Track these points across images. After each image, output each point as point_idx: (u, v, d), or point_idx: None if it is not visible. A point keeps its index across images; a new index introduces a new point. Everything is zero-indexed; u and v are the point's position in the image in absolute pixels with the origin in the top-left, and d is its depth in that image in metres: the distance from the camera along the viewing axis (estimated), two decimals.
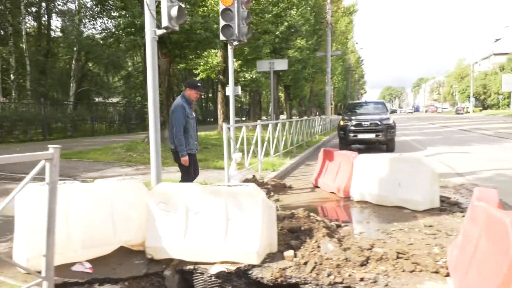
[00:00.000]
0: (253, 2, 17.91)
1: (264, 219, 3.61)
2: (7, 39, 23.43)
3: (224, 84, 17.84)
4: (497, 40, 48.10)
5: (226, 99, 16.53)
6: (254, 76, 19.54)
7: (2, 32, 24.80)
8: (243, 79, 19.50)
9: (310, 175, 8.07)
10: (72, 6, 29.01)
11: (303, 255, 3.60)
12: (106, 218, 3.69)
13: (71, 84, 27.04)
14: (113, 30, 13.23)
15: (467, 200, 5.75)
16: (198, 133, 5.81)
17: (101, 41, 22.10)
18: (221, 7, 8.00)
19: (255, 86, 22.65)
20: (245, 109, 56.95)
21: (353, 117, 13.26)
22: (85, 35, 27.93)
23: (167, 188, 3.89)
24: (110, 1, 12.95)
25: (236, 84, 18.07)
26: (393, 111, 15.19)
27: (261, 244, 3.56)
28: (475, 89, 76.74)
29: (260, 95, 27.14)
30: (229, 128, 7.11)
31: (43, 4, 27.51)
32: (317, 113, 44.88)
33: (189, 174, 5.50)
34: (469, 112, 68.68)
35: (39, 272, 2.53)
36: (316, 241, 3.76)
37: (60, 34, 30.04)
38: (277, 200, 6.20)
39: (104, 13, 14.15)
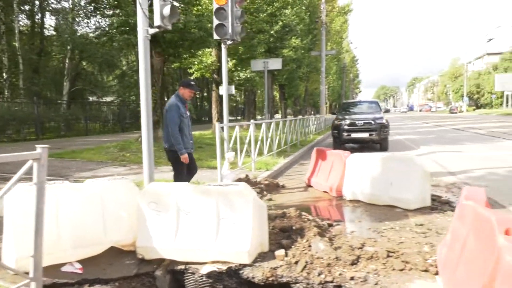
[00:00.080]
0: (248, 1, 17.89)
1: (255, 218, 3.62)
2: (0, 38, 23.23)
3: (219, 83, 17.82)
4: (490, 40, 48.44)
5: (220, 98, 16.50)
6: (248, 76, 19.53)
7: None
8: (237, 78, 19.49)
9: (303, 174, 8.08)
10: (66, 4, 28.86)
11: (294, 254, 3.61)
12: (97, 218, 3.68)
13: (65, 83, 26.87)
14: (107, 28, 13.16)
15: (458, 199, 5.78)
16: (193, 132, 5.80)
17: (95, 40, 21.95)
18: (215, 6, 7.97)
19: (250, 86, 22.65)
20: (240, 108, 56.90)
21: (347, 117, 13.30)
22: (79, 34, 27.78)
23: (158, 187, 3.88)
24: (104, 0, 12.88)
25: (230, 83, 18.06)
26: (387, 111, 15.25)
27: (252, 243, 3.56)
28: (469, 89, 77.25)
29: (255, 94, 27.14)
30: (222, 128, 7.10)
31: (37, 2, 27.32)
32: (312, 112, 44.93)
33: (182, 173, 5.49)
34: (462, 112, 69.15)
35: (27, 273, 2.52)
36: (307, 240, 3.77)
37: (54, 33, 29.84)
38: (270, 199, 6.22)
39: (98, 12, 14.04)
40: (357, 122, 12.72)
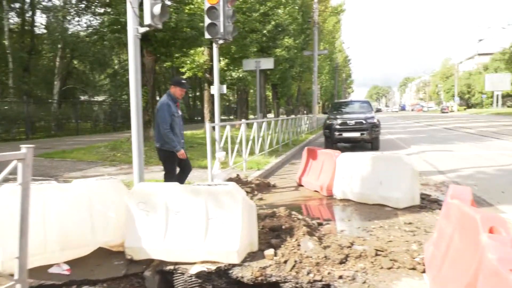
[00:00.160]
0: (240, 0, 17.87)
1: (245, 218, 3.62)
2: None
3: (211, 82, 17.77)
4: (480, 40, 48.96)
5: (212, 97, 16.48)
6: (241, 75, 19.52)
7: None
8: (230, 77, 19.47)
9: (294, 173, 8.10)
10: (57, 2, 28.58)
11: (283, 253, 3.61)
12: (84, 219, 3.65)
13: (55, 82, 26.59)
14: (98, 27, 13.07)
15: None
16: (185, 132, 5.79)
17: (86, 38, 21.78)
18: (206, 5, 7.96)
19: (242, 85, 22.63)
20: (233, 108, 56.82)
21: (338, 116, 13.36)
22: (70, 32, 27.51)
23: (147, 187, 3.86)
24: None
25: (222, 82, 18.03)
26: (378, 110, 15.35)
27: (241, 243, 3.56)
28: (460, 89, 78.04)
29: (247, 93, 27.13)
30: (213, 127, 7.09)
31: None
32: (305, 112, 45.03)
33: (172, 173, 5.48)
34: (453, 111, 69.81)
35: (12, 275, 2.49)
36: (296, 240, 3.78)
37: (45, 31, 29.53)
38: (261, 199, 6.22)
39: (89, 10, 13.95)
40: (348, 122, 12.78)
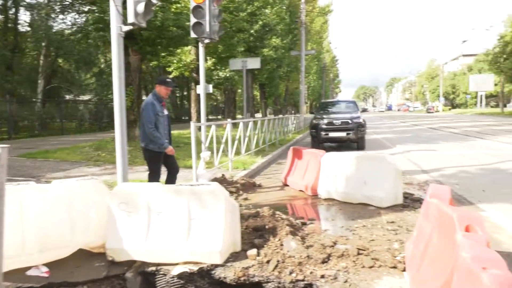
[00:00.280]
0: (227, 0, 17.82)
1: (227, 218, 3.60)
2: None
3: (198, 82, 17.67)
4: (464, 41, 49.81)
5: (199, 97, 16.43)
6: (228, 75, 19.46)
7: None
8: (217, 77, 19.39)
9: (280, 173, 8.11)
10: None
11: (266, 253, 3.61)
12: (64, 220, 3.58)
13: (39, 81, 26.14)
14: (82, 25, 12.89)
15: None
16: (172, 132, 5.75)
17: (71, 37, 21.44)
18: (192, 4, 7.92)
19: (229, 85, 22.57)
20: (221, 108, 56.69)
21: (325, 116, 13.42)
22: (54, 30, 27.06)
23: (129, 188, 3.82)
24: None
25: (209, 82, 17.96)
26: (364, 110, 15.47)
27: (224, 243, 3.55)
28: (445, 89, 79.28)
29: (235, 93, 27.08)
30: (198, 127, 7.06)
31: None
32: (293, 111, 45.17)
33: (156, 173, 5.44)
34: (439, 111, 70.84)
35: None
36: (279, 239, 3.78)
37: (29, 29, 28.98)
38: (246, 198, 6.21)
39: (74, 8, 13.74)
40: (334, 122, 12.86)
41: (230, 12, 18.20)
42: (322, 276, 3.25)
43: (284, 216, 4.51)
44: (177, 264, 3.57)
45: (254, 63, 13.15)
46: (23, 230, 3.37)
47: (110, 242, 3.68)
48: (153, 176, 5.38)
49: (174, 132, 15.64)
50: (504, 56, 42.34)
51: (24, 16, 51.79)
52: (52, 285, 3.26)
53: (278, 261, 3.47)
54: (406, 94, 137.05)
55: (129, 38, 11.65)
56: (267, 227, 4.11)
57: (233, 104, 25.78)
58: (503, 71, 43.33)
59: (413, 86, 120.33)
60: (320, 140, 13.11)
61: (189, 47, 17.05)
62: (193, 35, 8.00)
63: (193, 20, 7.90)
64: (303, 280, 3.28)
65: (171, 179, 5.49)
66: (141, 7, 4.98)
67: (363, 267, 3.37)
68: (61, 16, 25.23)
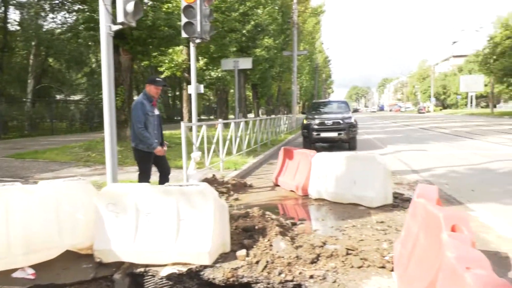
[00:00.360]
0: None
1: (216, 218, 3.58)
2: None
3: (190, 82, 17.61)
4: (455, 42, 50.29)
5: (191, 97, 16.36)
6: (220, 75, 19.42)
7: None
8: (209, 77, 19.34)
9: (271, 173, 8.10)
10: None
11: (255, 254, 3.60)
12: (51, 221, 3.54)
13: (29, 80, 25.85)
14: (72, 24, 12.76)
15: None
16: (164, 132, 5.72)
17: (61, 36, 21.21)
18: (183, 3, 7.88)
19: (221, 85, 22.53)
20: (213, 108, 56.58)
21: (316, 116, 13.45)
22: (45, 29, 26.76)
23: (117, 188, 3.79)
24: None
25: (201, 82, 17.93)
26: (355, 110, 15.53)
27: (213, 244, 3.53)
28: (436, 89, 80.00)
29: (227, 93, 27.04)
30: (187, 127, 7.02)
31: None
32: (285, 112, 45.26)
33: (146, 173, 5.41)
34: (430, 112, 71.42)
35: None
36: (268, 240, 3.78)
37: (18, 28, 28.63)
38: (236, 199, 6.20)
39: (64, 7, 13.60)
40: (326, 122, 12.88)
41: (222, 12, 18.17)
42: (311, 277, 3.25)
43: (274, 217, 4.51)
44: (165, 265, 3.55)
45: (245, 63, 13.15)
46: (8, 232, 3.32)
47: (98, 243, 3.64)
48: (143, 177, 5.36)
49: (166, 132, 15.54)
50: (494, 57, 42.83)
51: (14, 15, 51.09)
52: (38, 287, 3.22)
53: (267, 261, 3.46)
54: (398, 94, 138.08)
55: (120, 38, 11.57)
56: (256, 227, 4.11)
57: (225, 104, 25.74)
58: (493, 72, 43.82)
59: (405, 87, 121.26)
60: (311, 140, 13.13)
61: (181, 47, 16.97)
62: (184, 35, 7.96)
63: (184, 19, 7.86)
64: (292, 281, 3.27)
65: (163, 180, 5.46)
66: (130, 6, 4.94)
67: (352, 267, 3.38)
68: (51, 15, 25.00)
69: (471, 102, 67.31)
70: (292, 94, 28.65)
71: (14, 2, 26.62)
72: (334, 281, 3.17)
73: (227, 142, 9.41)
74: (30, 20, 26.25)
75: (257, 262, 3.49)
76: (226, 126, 12.83)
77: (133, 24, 5.12)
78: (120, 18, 4.96)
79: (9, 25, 27.70)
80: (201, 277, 3.45)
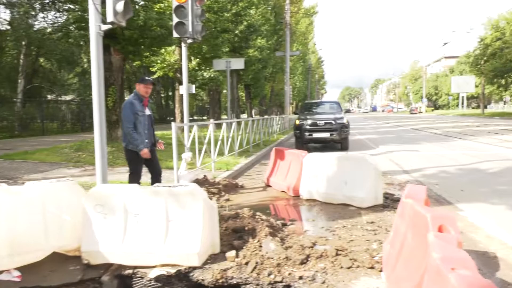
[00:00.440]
0: (212, 0, 17.74)
1: (206, 219, 3.56)
2: None
3: (182, 82, 17.54)
4: (445, 44, 50.76)
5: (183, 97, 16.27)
6: (212, 75, 19.37)
7: None
8: (201, 77, 19.27)
9: (263, 174, 8.08)
10: None
11: (245, 255, 3.59)
12: (37, 223, 3.49)
13: (19, 80, 25.57)
14: (63, 24, 12.64)
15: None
16: (156, 132, 5.69)
17: (52, 36, 20.99)
18: (174, 3, 7.85)
19: (214, 85, 22.49)
20: (206, 108, 56.46)
21: (308, 117, 13.47)
22: (36, 29, 26.48)
23: (105, 189, 3.75)
24: None
25: (194, 82, 17.86)
26: (347, 111, 15.56)
27: (202, 245, 3.51)
28: (428, 90, 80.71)
29: (220, 93, 27.00)
30: (178, 127, 6.99)
31: None
32: (278, 112, 45.30)
33: (137, 173, 5.38)
34: (422, 112, 71.97)
35: None
36: (258, 241, 3.76)
37: (8, 27, 28.29)
38: (228, 199, 6.17)
39: (54, 6, 13.47)
40: (318, 122, 12.91)
41: (215, 12, 18.13)
42: (300, 278, 3.24)
43: (264, 217, 4.49)
44: (154, 266, 3.52)
45: (238, 63, 13.13)
46: None
47: (86, 245, 3.60)
48: (134, 177, 5.32)
49: (158, 132, 15.47)
50: (485, 58, 43.30)
51: (4, 14, 50.49)
52: None
53: (256, 262, 3.45)
54: (390, 95, 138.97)
55: (111, 38, 11.48)
56: (246, 228, 4.09)
57: (218, 104, 25.69)
58: (484, 73, 44.29)
59: (397, 88, 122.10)
60: (304, 140, 13.15)
61: (173, 47, 16.90)
62: (175, 35, 7.92)
63: (175, 19, 7.83)
64: (281, 282, 3.26)
65: (155, 181, 5.44)
66: (120, 6, 4.90)
67: (341, 267, 3.38)
68: (42, 15, 24.73)
69: (462, 103, 67.96)
70: (285, 94, 28.68)
71: (4, 1, 26.33)
72: (323, 282, 3.16)
73: (219, 143, 9.38)
74: (21, 20, 25.96)
75: (246, 263, 3.48)
76: (219, 126, 12.80)
77: (123, 23, 5.09)
78: (110, 17, 4.92)
79: None
80: (190, 278, 3.43)
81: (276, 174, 7.14)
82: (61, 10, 12.96)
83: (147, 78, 5.38)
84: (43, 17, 24.88)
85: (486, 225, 4.63)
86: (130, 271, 3.51)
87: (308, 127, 12.92)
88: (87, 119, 26.94)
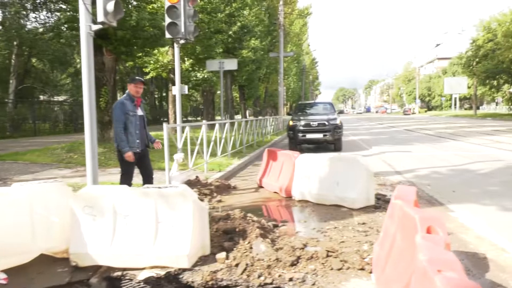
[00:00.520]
0: (205, 0, 17.69)
1: (196, 221, 3.54)
2: None
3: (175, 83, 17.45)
4: (438, 45, 51.08)
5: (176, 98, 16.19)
6: (206, 76, 19.31)
7: None
8: (194, 78, 19.19)
9: (256, 175, 8.06)
10: None
11: (235, 256, 3.57)
12: (24, 225, 3.44)
13: (11, 81, 25.32)
14: (54, 24, 12.54)
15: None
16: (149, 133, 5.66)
17: (43, 36, 20.80)
18: (167, 4, 7.82)
19: (208, 86, 22.43)
20: (201, 109, 56.33)
21: (302, 118, 13.47)
22: (28, 29, 26.25)
23: (94, 190, 3.71)
24: None
25: (187, 83, 17.80)
26: (341, 112, 15.56)
27: (192, 247, 3.48)
28: (421, 91, 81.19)
29: (213, 94, 26.94)
30: (173, 129, 6.95)
31: None
32: (272, 113, 45.35)
33: (128, 174, 5.33)
34: (415, 113, 72.37)
35: None
36: (249, 242, 3.74)
37: (0, 27, 28.02)
38: (220, 201, 6.15)
39: (45, 6, 13.36)
40: (311, 123, 12.92)
41: (208, 13, 18.08)
42: (291, 279, 3.23)
43: (255, 219, 4.48)
44: (143, 268, 3.50)
45: (231, 64, 13.11)
46: None
47: (74, 247, 3.56)
48: (125, 178, 5.28)
49: (152, 133, 15.40)
50: (477, 59, 43.68)
51: None
52: None
53: (247, 264, 3.43)
54: (384, 96, 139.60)
55: (103, 38, 11.41)
56: (237, 229, 4.07)
57: (211, 105, 25.62)
58: (476, 74, 44.67)
59: (391, 89, 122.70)
60: (297, 141, 13.16)
61: (166, 47, 16.82)
62: (168, 35, 7.89)
63: (167, 20, 7.79)
64: (271, 284, 3.25)
65: (147, 182, 5.39)
66: (111, 6, 4.87)
67: (332, 269, 3.37)
68: (34, 15, 24.54)
69: (455, 104, 68.47)
70: (279, 95, 28.70)
71: None
72: (313, 284, 3.15)
73: (212, 144, 9.35)
74: (12, 19, 25.74)
75: (236, 265, 3.46)
76: (212, 127, 12.74)
77: (114, 23, 5.06)
78: (101, 17, 4.89)
79: None
80: (179, 280, 3.40)
81: (268, 175, 7.13)
82: (52, 10, 12.83)
83: (137, 77, 5.35)
84: (35, 17, 24.71)
85: (477, 226, 4.65)
86: (119, 273, 3.48)
87: (301, 128, 12.93)
88: (80, 120, 26.70)
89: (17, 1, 24.71)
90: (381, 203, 5.65)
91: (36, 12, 19.30)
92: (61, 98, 34.35)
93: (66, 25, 11.52)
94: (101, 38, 11.37)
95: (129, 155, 5.01)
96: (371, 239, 4.07)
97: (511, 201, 5.78)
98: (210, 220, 3.97)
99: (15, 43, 25.11)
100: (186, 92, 9.35)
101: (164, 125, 6.45)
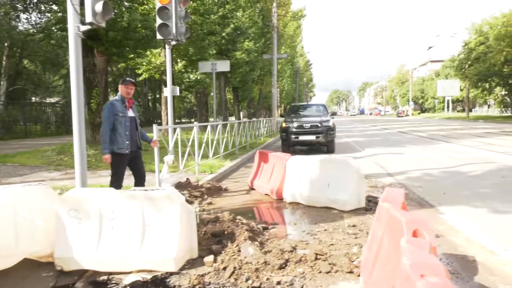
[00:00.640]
0: (198, 2, 17.66)
1: (183, 224, 3.50)
2: None
3: None
4: (430, 48, 51.48)
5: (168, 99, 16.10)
6: (198, 77, 19.25)
7: None
8: (187, 80, 19.13)
9: (248, 177, 8.02)
10: None
11: (223, 260, 3.53)
12: (7, 228, 3.37)
13: (2, 82, 25.08)
14: (44, 25, 12.41)
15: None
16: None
17: (33, 37, 20.56)
18: (158, 5, 7.77)
19: (201, 87, 22.37)
20: (194, 111, 56.18)
21: (294, 119, 13.46)
22: (19, 30, 26.01)
23: (79, 193, 3.65)
24: None
25: (180, 85, 17.73)
26: (334, 114, 15.54)
27: (179, 250, 3.44)
28: (414, 94, 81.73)
29: (207, 96, 26.89)
30: (164, 130, 6.90)
31: None
32: (266, 115, 45.35)
33: (118, 177, 5.26)
34: (408, 115, 72.84)
35: None
36: (237, 245, 3.70)
37: None
38: (210, 203, 6.10)
39: (36, 7, 13.23)
40: (304, 125, 12.91)
41: (201, 14, 18.05)
42: (278, 283, 3.19)
43: (244, 221, 4.44)
44: (130, 272, 3.45)
45: (223, 65, 13.07)
46: None
47: (59, 251, 3.50)
48: (115, 180, 5.22)
49: None
50: (469, 62, 44.06)
51: None
52: None
53: (234, 267, 3.39)
54: (378, 98, 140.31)
55: (94, 39, 11.32)
56: (226, 232, 4.03)
57: (205, 107, 25.57)
58: (468, 77, 45.07)
59: (384, 91, 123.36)
60: (290, 143, 13.14)
61: (159, 49, 16.76)
62: (159, 36, 7.84)
63: (159, 21, 7.74)
64: (259, 287, 3.21)
65: (138, 185, 5.35)
66: (99, 7, 4.83)
67: (320, 272, 3.34)
68: (25, 16, 24.30)
69: (448, 106, 69.00)
70: (272, 97, 28.71)
71: None
72: (301, 287, 3.12)
73: (203, 145, 9.30)
74: (3, 20, 25.49)
75: (224, 268, 3.42)
76: (205, 129, 12.68)
77: (103, 24, 5.02)
78: (89, 18, 4.85)
79: None
80: (166, 284, 3.35)
81: (260, 177, 7.10)
82: (42, 11, 12.71)
83: (128, 79, 5.31)
84: (26, 18, 24.47)
85: (467, 228, 4.64)
86: (105, 277, 3.43)
87: (294, 129, 12.91)
88: (72, 122, 26.51)
89: (8, 1, 24.48)
90: (372, 205, 5.64)
91: (27, 13, 19.09)
92: (53, 99, 34.09)
93: (56, 26, 11.42)
94: (92, 39, 11.29)
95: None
96: (361, 242, 4.05)
97: (502, 203, 5.79)
98: (198, 222, 3.94)
99: (6, 44, 24.89)
100: (178, 93, 9.27)
101: (154, 126, 6.40)
